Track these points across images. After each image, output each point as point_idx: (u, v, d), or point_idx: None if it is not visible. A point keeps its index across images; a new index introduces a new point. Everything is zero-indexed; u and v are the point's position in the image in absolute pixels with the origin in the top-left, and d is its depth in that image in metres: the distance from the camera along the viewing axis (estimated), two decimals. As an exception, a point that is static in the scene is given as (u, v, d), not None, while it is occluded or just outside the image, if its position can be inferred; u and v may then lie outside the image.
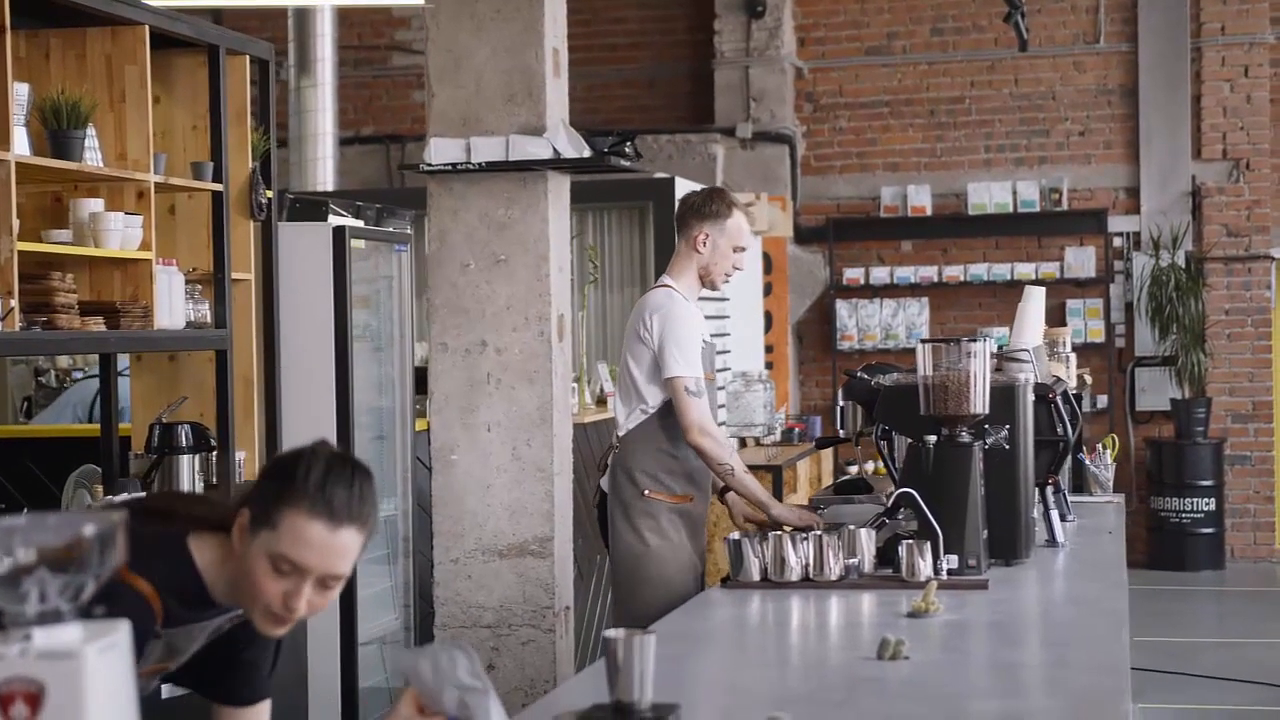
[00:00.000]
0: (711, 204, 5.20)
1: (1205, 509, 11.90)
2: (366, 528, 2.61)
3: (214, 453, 5.55)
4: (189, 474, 5.39)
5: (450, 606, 5.57)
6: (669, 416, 5.08)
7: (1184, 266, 12.04)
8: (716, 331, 10.06)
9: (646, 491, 5.07)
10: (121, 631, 1.81)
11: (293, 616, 2.60)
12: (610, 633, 2.69)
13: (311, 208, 6.46)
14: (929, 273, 12.51)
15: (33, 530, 1.77)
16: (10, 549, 1.75)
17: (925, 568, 4.11)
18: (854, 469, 10.14)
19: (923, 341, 4.40)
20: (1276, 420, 12.37)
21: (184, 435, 5.41)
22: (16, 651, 1.73)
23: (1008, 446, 4.46)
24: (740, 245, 5.21)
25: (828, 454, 10.83)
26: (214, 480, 5.56)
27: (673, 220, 5.34)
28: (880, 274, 12.56)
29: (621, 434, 5.17)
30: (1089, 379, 9.59)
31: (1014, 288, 11.41)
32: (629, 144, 5.76)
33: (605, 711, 2.73)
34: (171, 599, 2.64)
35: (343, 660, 6.15)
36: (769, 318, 12.10)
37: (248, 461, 5.79)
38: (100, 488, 5.47)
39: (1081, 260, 12.33)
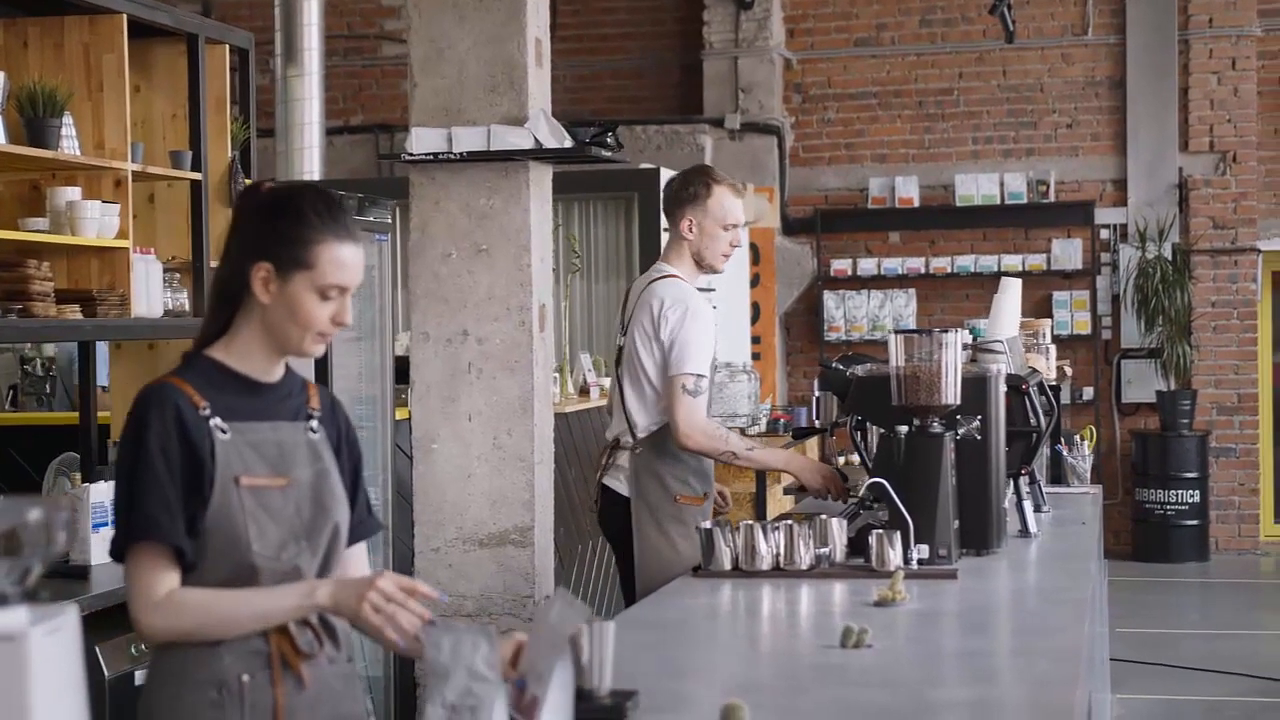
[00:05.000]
0: (689, 187, 5.07)
1: (1190, 501, 11.93)
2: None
3: (192, 441, 5.54)
4: (166, 462, 5.38)
5: (430, 595, 5.58)
6: None
7: (1170, 259, 12.06)
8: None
9: (678, 497, 5.00)
10: (68, 615, 1.83)
11: (335, 331, 2.84)
12: (569, 620, 2.71)
13: (293, 197, 6.44)
14: (916, 264, 12.52)
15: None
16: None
17: (895, 557, 4.12)
18: (841, 460, 10.15)
19: (895, 332, 4.41)
20: (1261, 413, 12.41)
21: (162, 423, 5.39)
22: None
23: (979, 437, 4.47)
24: (729, 223, 5.04)
25: (815, 444, 10.85)
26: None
27: (658, 211, 5.23)
28: (868, 265, 12.57)
29: (641, 435, 5.05)
30: (1069, 370, 9.60)
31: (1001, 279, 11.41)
32: (610, 135, 5.76)
33: (564, 698, 2.75)
34: (209, 390, 2.77)
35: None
36: (756, 309, 12.12)
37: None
38: (78, 475, 5.48)
39: (1068, 252, 12.34)
